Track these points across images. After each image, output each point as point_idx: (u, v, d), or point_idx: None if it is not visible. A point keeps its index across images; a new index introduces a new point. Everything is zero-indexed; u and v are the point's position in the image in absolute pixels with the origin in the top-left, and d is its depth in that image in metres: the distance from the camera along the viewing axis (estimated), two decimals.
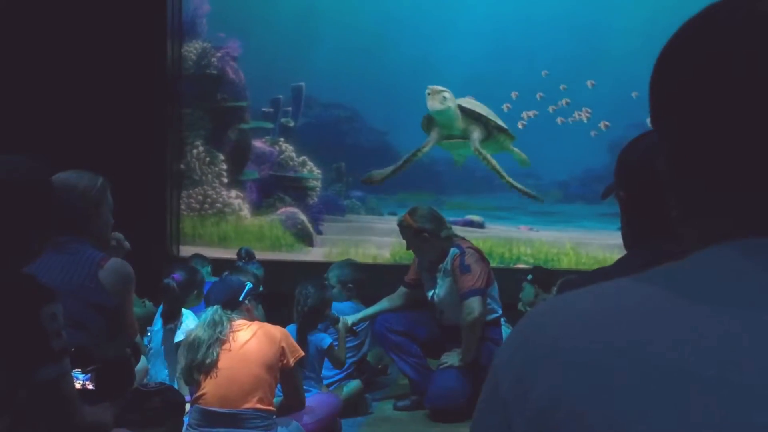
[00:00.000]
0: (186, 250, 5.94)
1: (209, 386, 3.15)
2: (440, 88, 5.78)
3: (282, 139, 6.26)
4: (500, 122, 5.93)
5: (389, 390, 4.74)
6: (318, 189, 6.23)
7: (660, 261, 0.60)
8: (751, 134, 0.56)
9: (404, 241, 4.47)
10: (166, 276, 4.09)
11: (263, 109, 6.26)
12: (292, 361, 3.30)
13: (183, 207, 6.29)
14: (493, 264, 4.86)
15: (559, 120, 5.88)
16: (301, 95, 6.22)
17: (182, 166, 6.28)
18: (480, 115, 5.91)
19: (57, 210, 1.88)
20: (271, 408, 3.22)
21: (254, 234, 6.21)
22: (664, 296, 0.55)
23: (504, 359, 0.59)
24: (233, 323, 3.25)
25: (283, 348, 3.28)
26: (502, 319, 4.40)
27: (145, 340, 4.06)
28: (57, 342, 1.64)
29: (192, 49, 6.26)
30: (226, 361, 3.16)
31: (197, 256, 5.09)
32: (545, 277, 4.64)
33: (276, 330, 3.34)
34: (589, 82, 5.81)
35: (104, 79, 5.71)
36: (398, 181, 6.12)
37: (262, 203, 6.27)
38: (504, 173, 5.92)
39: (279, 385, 3.39)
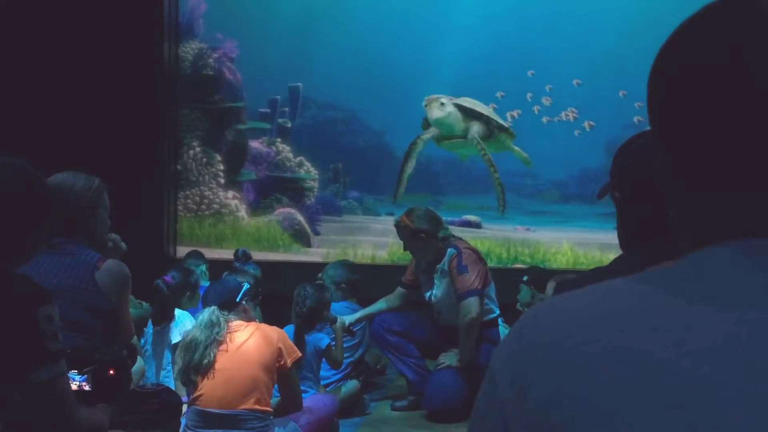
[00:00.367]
0: (183, 252, 5.93)
1: (206, 387, 3.15)
2: (435, 96, 5.80)
3: (279, 140, 6.26)
4: (501, 121, 5.94)
5: (387, 390, 4.74)
6: (315, 190, 6.23)
7: (655, 262, 0.59)
8: (749, 135, 0.56)
9: (401, 242, 4.47)
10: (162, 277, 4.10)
11: (260, 110, 6.26)
12: (289, 362, 3.30)
13: (180, 208, 6.29)
14: (491, 264, 4.86)
15: (544, 119, 5.90)
16: (298, 96, 6.22)
17: (179, 166, 6.27)
18: (480, 114, 5.91)
19: (53, 211, 1.87)
20: (268, 409, 3.22)
21: (251, 235, 6.21)
22: (660, 297, 0.55)
23: (501, 360, 0.59)
24: (230, 324, 3.24)
25: (280, 349, 3.27)
26: (499, 320, 4.40)
27: (142, 341, 4.05)
28: (53, 343, 1.64)
29: (189, 49, 6.26)
30: (223, 362, 3.16)
31: (193, 254, 5.07)
32: (542, 277, 4.64)
33: (273, 331, 3.34)
34: (575, 81, 5.83)
35: (101, 79, 5.70)
36: (395, 181, 6.12)
37: (259, 204, 6.26)
38: (496, 169, 5.91)
39: (276, 386, 3.38)
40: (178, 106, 6.24)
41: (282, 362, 3.27)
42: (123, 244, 3.88)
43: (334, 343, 4.15)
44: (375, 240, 6.08)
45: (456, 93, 5.94)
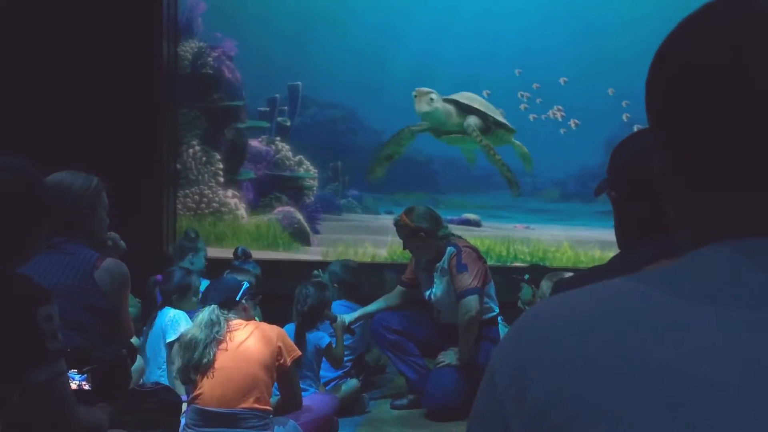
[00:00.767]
0: None
1: (206, 386, 3.15)
2: (426, 89, 5.80)
3: (278, 139, 6.26)
4: (499, 117, 5.94)
5: (386, 389, 4.74)
6: (314, 188, 6.22)
7: (653, 261, 0.59)
8: (749, 134, 0.56)
9: (401, 241, 4.47)
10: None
11: (259, 109, 6.26)
12: (289, 361, 3.30)
13: (179, 207, 6.28)
14: (490, 263, 4.86)
15: (531, 117, 5.91)
16: (298, 94, 6.21)
17: (178, 165, 6.27)
18: (476, 110, 5.91)
19: (52, 211, 1.87)
20: (268, 408, 3.22)
21: (251, 233, 6.21)
22: (660, 297, 0.55)
23: (501, 358, 0.59)
24: (230, 323, 3.24)
25: (280, 348, 3.27)
26: (499, 318, 4.40)
27: (141, 340, 4.05)
28: (53, 343, 1.63)
29: (188, 48, 6.25)
30: (223, 360, 3.16)
31: (189, 238, 4.85)
32: (543, 275, 4.64)
33: (273, 330, 3.34)
34: (561, 80, 5.83)
35: (100, 78, 5.70)
36: (395, 180, 6.13)
37: (258, 203, 6.26)
38: (495, 152, 5.92)
39: (276, 385, 3.38)
40: (177, 105, 6.23)
41: (281, 361, 3.27)
42: (122, 243, 3.88)
43: (335, 341, 4.15)
44: (374, 238, 6.08)
45: (455, 91, 5.94)
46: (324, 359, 4.10)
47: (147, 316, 4.03)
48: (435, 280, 4.37)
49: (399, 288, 4.62)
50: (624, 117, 5.68)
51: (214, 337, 3.18)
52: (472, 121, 5.88)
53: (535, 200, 6.05)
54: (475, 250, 4.42)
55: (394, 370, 4.65)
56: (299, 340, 3.88)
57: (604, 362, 0.52)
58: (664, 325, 0.53)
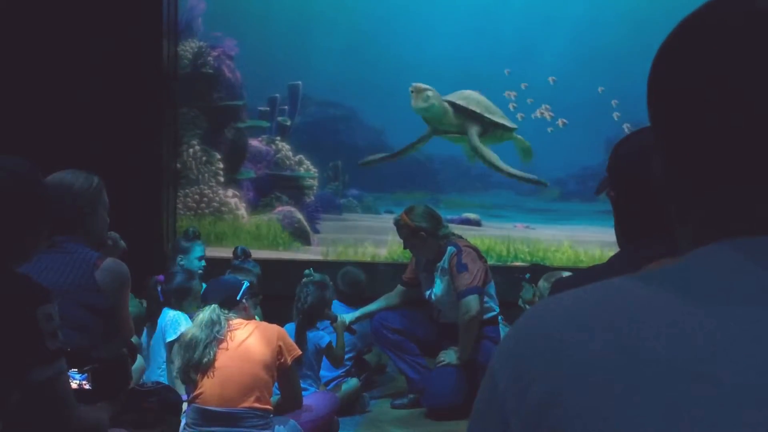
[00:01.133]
0: None
1: (207, 385, 3.15)
2: (423, 86, 5.79)
3: (278, 138, 6.26)
4: (497, 118, 5.93)
5: (387, 388, 4.74)
6: (315, 188, 6.22)
7: (653, 260, 0.59)
8: (750, 134, 0.56)
9: (401, 240, 4.47)
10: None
11: (260, 108, 6.25)
12: (289, 360, 3.30)
13: (179, 206, 6.28)
14: (490, 262, 4.86)
15: (519, 116, 5.92)
16: (298, 94, 6.21)
17: (179, 165, 6.27)
18: (473, 112, 5.90)
19: (52, 210, 1.87)
20: (268, 407, 3.22)
21: (251, 233, 6.21)
22: (660, 296, 0.55)
23: (501, 357, 0.59)
24: (230, 322, 3.24)
25: (280, 347, 3.27)
26: (499, 318, 4.40)
27: (141, 339, 4.06)
28: (53, 342, 1.64)
29: (188, 48, 6.25)
30: (223, 360, 3.16)
31: (189, 236, 4.83)
32: (543, 274, 4.64)
33: (273, 329, 3.34)
34: (550, 78, 5.83)
35: (100, 78, 5.70)
36: (395, 179, 6.12)
37: (258, 202, 6.26)
38: (503, 167, 5.92)
39: (276, 384, 3.38)
40: (177, 105, 6.23)
41: (282, 360, 3.27)
42: (122, 243, 3.88)
43: (335, 341, 4.15)
44: (375, 238, 6.08)
45: (455, 89, 5.94)
46: (324, 358, 4.10)
47: (152, 316, 4.02)
48: (435, 279, 4.37)
49: (399, 287, 4.63)
50: (614, 116, 5.70)
51: (214, 336, 3.18)
52: (473, 133, 5.87)
53: (535, 200, 6.05)
54: (475, 249, 4.42)
55: (394, 369, 4.65)
56: (299, 338, 3.88)
57: (606, 361, 0.52)
58: (666, 324, 0.53)
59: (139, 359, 3.66)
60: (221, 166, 6.28)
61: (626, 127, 5.63)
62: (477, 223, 6.06)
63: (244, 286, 3.38)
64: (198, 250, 4.70)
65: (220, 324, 3.21)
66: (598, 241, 5.75)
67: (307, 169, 6.22)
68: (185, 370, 3.21)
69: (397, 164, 6.11)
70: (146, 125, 5.92)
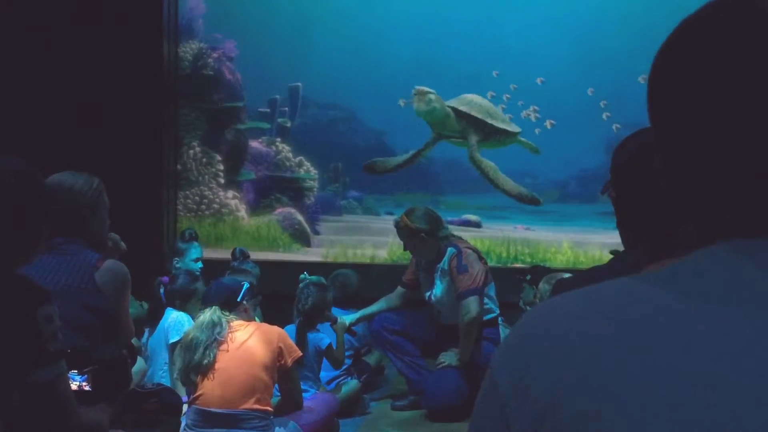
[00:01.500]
0: None
1: (207, 387, 3.15)
2: (426, 89, 5.79)
3: (279, 140, 6.26)
4: (499, 122, 5.92)
5: (387, 390, 4.74)
6: (315, 189, 6.22)
7: (655, 260, 0.59)
8: (751, 134, 0.56)
9: (401, 242, 4.47)
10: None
11: (260, 110, 6.26)
12: (289, 362, 3.30)
13: (180, 208, 6.28)
14: (490, 263, 4.86)
15: (507, 117, 5.93)
16: (298, 95, 6.21)
17: (179, 166, 6.27)
18: (474, 118, 5.91)
19: (53, 211, 1.87)
20: (268, 408, 3.22)
21: (251, 234, 6.21)
22: (663, 296, 0.54)
23: (502, 359, 0.59)
24: (231, 324, 3.24)
25: (280, 348, 3.27)
26: (499, 319, 4.40)
27: (142, 340, 4.05)
28: (53, 343, 1.63)
29: (188, 49, 6.26)
30: (223, 361, 3.16)
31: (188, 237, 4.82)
32: (544, 276, 4.64)
33: (274, 330, 3.34)
34: (538, 80, 5.84)
35: (100, 79, 5.70)
36: (395, 181, 6.12)
37: (259, 204, 6.26)
38: (499, 181, 5.92)
39: (277, 386, 3.38)
40: (177, 106, 6.23)
41: (282, 362, 3.27)
42: (122, 244, 3.87)
43: (335, 342, 4.15)
44: (375, 239, 6.08)
45: (456, 92, 5.94)
46: (324, 359, 4.10)
47: (153, 317, 4.01)
48: (435, 280, 4.37)
49: (399, 289, 4.62)
50: (604, 116, 5.71)
51: (215, 338, 3.18)
52: (473, 142, 5.87)
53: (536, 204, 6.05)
54: (475, 250, 4.42)
55: (394, 370, 4.65)
56: (300, 340, 3.88)
57: (607, 363, 0.52)
58: (668, 325, 0.52)
59: (140, 361, 3.66)
60: (221, 167, 6.28)
61: (615, 128, 5.65)
62: (477, 225, 6.06)
63: (244, 288, 3.38)
64: (194, 252, 4.69)
65: (221, 326, 3.21)
66: (598, 243, 5.75)
67: (308, 171, 6.23)
68: (185, 372, 3.21)
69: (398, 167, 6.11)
70: (146, 126, 5.92)
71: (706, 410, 0.48)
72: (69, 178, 2.41)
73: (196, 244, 4.78)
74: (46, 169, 2.09)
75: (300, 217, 6.21)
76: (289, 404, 3.46)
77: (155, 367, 3.92)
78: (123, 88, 5.72)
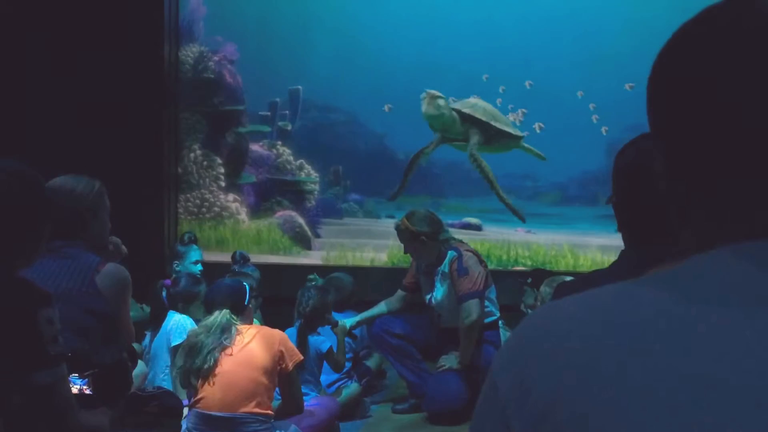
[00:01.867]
0: None
1: (208, 390, 3.14)
2: (436, 93, 5.79)
3: (279, 143, 6.26)
4: (502, 126, 5.93)
5: (387, 393, 4.73)
6: (316, 192, 6.22)
7: (656, 264, 0.59)
8: (751, 138, 0.56)
9: (402, 245, 4.47)
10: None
11: (260, 113, 6.26)
12: (290, 365, 3.30)
13: (181, 211, 6.29)
14: (491, 266, 4.86)
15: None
16: (299, 98, 6.22)
17: (180, 169, 6.27)
18: (479, 120, 5.91)
19: (53, 214, 1.87)
20: (269, 412, 3.22)
21: (252, 238, 6.21)
22: (664, 300, 0.54)
23: (503, 362, 0.59)
24: (238, 328, 3.23)
25: (281, 351, 3.27)
26: (500, 322, 4.40)
27: (143, 344, 4.05)
28: (53, 347, 1.63)
29: (189, 52, 6.26)
30: (225, 364, 3.15)
31: (188, 240, 4.85)
32: (545, 279, 4.63)
33: (274, 333, 3.33)
34: (527, 83, 5.84)
35: (101, 82, 5.70)
36: (396, 183, 6.12)
37: (259, 207, 6.26)
38: (496, 184, 5.93)
39: (277, 389, 3.38)
40: (178, 109, 6.24)
41: (283, 365, 3.27)
42: (123, 248, 3.86)
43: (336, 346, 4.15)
44: (375, 242, 6.08)
45: (459, 94, 5.94)
46: (325, 363, 4.10)
47: (155, 321, 4.01)
48: (436, 283, 4.37)
49: (400, 292, 4.62)
50: (593, 118, 5.72)
51: (221, 343, 3.16)
52: (474, 141, 5.88)
53: (535, 204, 6.05)
54: (476, 253, 4.41)
55: (395, 374, 4.65)
56: (301, 343, 3.88)
57: (608, 365, 0.52)
58: (668, 328, 0.52)
59: (141, 364, 3.65)
60: (222, 170, 6.28)
61: (604, 130, 5.67)
62: (478, 228, 6.06)
63: (248, 290, 3.38)
64: (194, 255, 4.70)
65: (230, 332, 3.19)
66: (598, 246, 5.75)
67: (308, 174, 6.23)
68: (185, 375, 3.20)
69: (398, 169, 6.11)
70: (147, 129, 5.93)
71: (707, 412, 0.48)
72: (70, 180, 2.41)
73: (195, 247, 4.79)
74: (47, 171, 2.09)
75: (300, 220, 6.21)
76: (290, 408, 3.45)
77: (156, 370, 3.92)
78: (124, 91, 5.72)
